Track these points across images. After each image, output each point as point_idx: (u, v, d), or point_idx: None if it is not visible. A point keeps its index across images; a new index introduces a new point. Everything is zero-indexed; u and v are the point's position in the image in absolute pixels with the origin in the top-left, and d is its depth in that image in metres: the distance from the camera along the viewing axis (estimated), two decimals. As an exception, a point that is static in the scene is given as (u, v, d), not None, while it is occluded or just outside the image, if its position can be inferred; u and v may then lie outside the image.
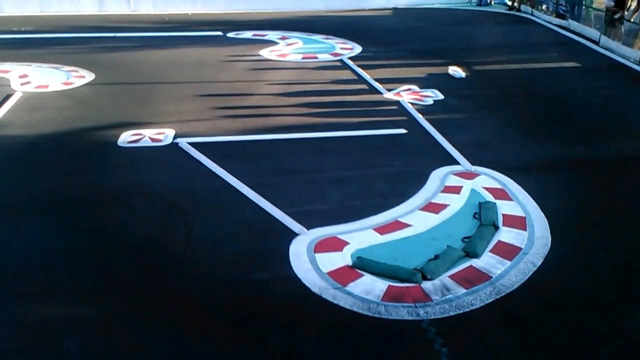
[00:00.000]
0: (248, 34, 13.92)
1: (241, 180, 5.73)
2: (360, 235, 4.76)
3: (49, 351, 3.48)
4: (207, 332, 3.67)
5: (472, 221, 4.99)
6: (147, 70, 10.41)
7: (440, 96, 8.59)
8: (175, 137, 6.94)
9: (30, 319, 3.76)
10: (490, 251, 4.55)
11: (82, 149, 6.68)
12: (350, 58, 11.10)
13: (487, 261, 4.43)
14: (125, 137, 6.94)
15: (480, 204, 5.25)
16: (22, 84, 9.34)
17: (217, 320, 3.78)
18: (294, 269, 4.31)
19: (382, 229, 4.85)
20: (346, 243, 4.64)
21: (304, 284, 4.13)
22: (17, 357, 3.42)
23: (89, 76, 9.91)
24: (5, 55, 11.33)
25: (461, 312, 3.87)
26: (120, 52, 12.03)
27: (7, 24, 15.42)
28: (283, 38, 13.27)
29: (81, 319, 3.78)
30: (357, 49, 11.88)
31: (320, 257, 4.44)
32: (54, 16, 17.15)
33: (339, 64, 10.75)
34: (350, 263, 4.38)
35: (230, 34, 13.97)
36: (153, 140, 6.86)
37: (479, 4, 18.14)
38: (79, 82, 9.55)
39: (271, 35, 13.63)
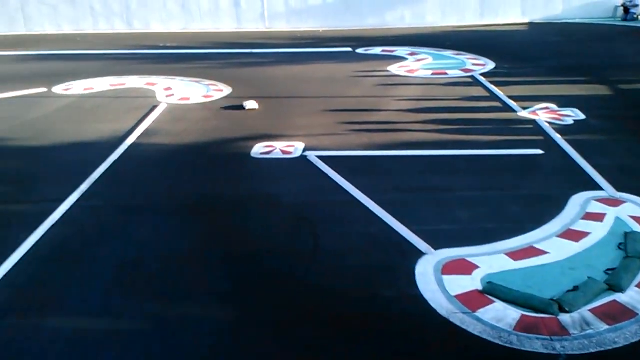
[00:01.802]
0: (377, 50, 14.00)
1: (367, 195, 5.72)
2: (491, 260, 4.56)
3: (186, 349, 3.64)
4: (327, 346, 3.67)
5: (617, 252, 4.61)
6: (280, 85, 10.78)
7: (582, 116, 8.08)
8: (304, 150, 7.10)
9: (168, 318, 3.97)
10: (637, 286, 4.17)
11: (219, 159, 7.02)
12: (482, 74, 10.79)
13: (632, 297, 4.06)
14: (258, 149, 7.21)
15: (626, 234, 4.84)
16: (166, 96, 10.04)
17: (339, 334, 3.77)
18: (420, 289, 4.21)
19: (515, 255, 4.61)
20: (476, 266, 4.46)
21: (430, 306, 4.01)
22: (154, 354, 3.62)
23: (226, 90, 10.45)
24: (152, 69, 12.25)
25: (603, 349, 3.57)
26: (255, 67, 12.58)
27: (154, 40, 16.70)
28: (412, 54, 13.19)
29: (214, 321, 3.93)
30: (490, 65, 11.54)
31: (447, 279, 4.31)
32: (196, 33, 18.31)
33: (470, 80, 10.49)
34: (480, 288, 4.21)
35: (360, 50, 14.12)
36: (284, 152, 7.06)
37: (625, 19, 16.95)
38: (217, 96, 10.09)
39: (400, 51, 13.61)
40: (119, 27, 19.34)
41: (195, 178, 6.45)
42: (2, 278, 4.44)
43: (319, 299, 4.15)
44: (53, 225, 5.30)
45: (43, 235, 5.10)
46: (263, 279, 4.44)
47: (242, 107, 8.77)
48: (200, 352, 3.62)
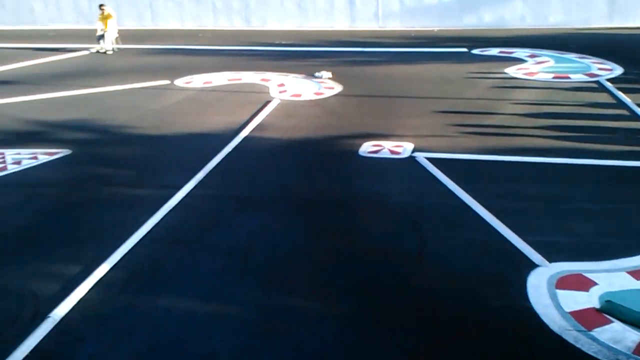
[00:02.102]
0: (494, 51, 13.55)
1: (478, 201, 5.54)
2: (611, 277, 4.26)
3: (286, 340, 3.71)
4: (431, 348, 3.59)
5: None
6: (391, 84, 10.71)
7: None
8: (413, 151, 7.00)
9: (272, 307, 4.06)
10: None
11: (327, 155, 7.09)
12: (608, 80, 10.13)
13: None
14: (367, 147, 7.20)
15: None
16: (279, 92, 10.29)
17: (444, 338, 3.67)
18: (532, 302, 4.01)
19: (638, 274, 4.28)
20: (594, 283, 4.19)
21: (542, 320, 3.82)
22: (258, 341, 3.71)
23: (337, 88, 10.53)
24: (266, 66, 12.61)
25: None
26: (367, 65, 12.59)
27: (270, 37, 17.17)
28: (532, 56, 12.64)
29: (317, 315, 3.97)
30: (618, 70, 10.81)
31: (562, 295, 4.07)
32: (310, 31, 18.62)
33: (595, 85, 9.89)
34: (597, 306, 3.94)
35: (476, 51, 13.73)
36: (392, 152, 7.01)
37: None
38: (328, 93, 10.20)
39: (519, 52, 13.08)
40: (238, 24, 20.08)
41: (304, 173, 6.55)
42: (123, 256, 4.73)
43: (425, 302, 4.07)
44: (170, 210, 5.58)
45: (161, 219, 5.39)
46: (368, 277, 4.42)
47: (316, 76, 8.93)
48: (301, 346, 3.67)
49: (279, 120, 8.57)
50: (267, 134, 7.95)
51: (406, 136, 7.55)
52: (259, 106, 9.30)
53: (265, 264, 4.62)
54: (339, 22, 19.32)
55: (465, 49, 13.96)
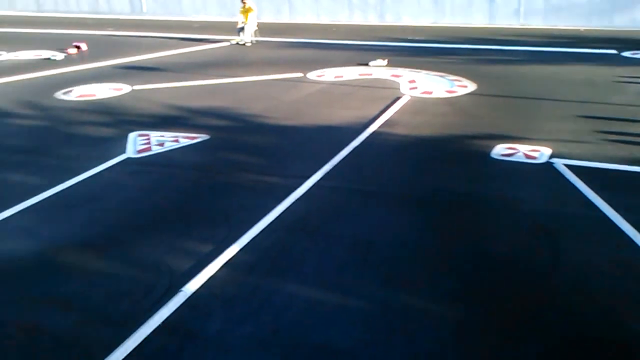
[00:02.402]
0: (648, 54, 12.48)
1: (621, 215, 5.12)
2: None
3: (403, 338, 3.65)
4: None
5: None
6: (529, 85, 10.21)
7: None
8: (551, 156, 6.62)
9: (392, 304, 4.02)
10: None
11: (456, 155, 6.90)
12: None
13: None
14: (499, 150, 6.91)
15: None
16: (410, 89, 10.17)
17: (571, 355, 3.44)
18: (679, 330, 3.64)
19: None
20: None
21: (691, 351, 3.45)
22: (376, 336, 3.68)
23: (471, 86, 10.22)
24: (398, 61, 12.50)
25: None
26: (504, 65, 12.09)
27: (403, 33, 17.01)
28: (693, 61, 11.48)
29: (436, 316, 3.87)
30: None
31: None
32: (445, 27, 18.22)
33: None
34: None
35: (626, 53, 12.72)
36: (527, 156, 6.67)
37: None
38: (461, 91, 9.92)
39: (677, 56, 11.95)
40: (372, 20, 20.11)
41: (431, 172, 6.42)
42: (251, 240, 4.90)
43: (555, 318, 3.83)
44: (297, 199, 5.70)
45: (288, 207, 5.53)
46: (493, 283, 4.24)
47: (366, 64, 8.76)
48: (418, 345, 3.59)
49: (408, 117, 8.47)
50: (395, 130, 7.89)
51: (544, 140, 7.16)
52: (388, 102, 9.25)
53: (387, 260, 4.59)
54: (477, 19, 18.72)
55: (614, 51, 12.98)
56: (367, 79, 11.16)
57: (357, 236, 4.98)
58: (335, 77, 11.41)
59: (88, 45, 15.38)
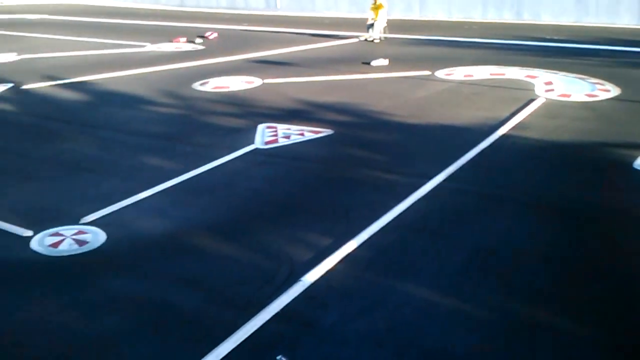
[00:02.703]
0: None
1: None
2: None
3: (525, 350, 3.47)
4: None
5: None
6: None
7: None
8: None
9: (514, 314, 3.83)
10: None
11: (593, 163, 6.46)
12: None
13: None
14: (644, 160, 6.38)
15: None
16: (546, 91, 9.64)
17: None
18: None
19: None
20: None
21: None
22: (495, 344, 3.54)
23: (614, 90, 9.51)
24: (534, 62, 11.91)
25: None
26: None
27: (541, 32, 16.19)
28: None
29: (564, 332, 3.64)
30: None
31: None
32: (588, 27, 17.10)
33: None
34: None
35: None
36: (676, 168, 6.10)
37: None
38: (602, 96, 9.27)
39: None
40: (507, 17, 19.34)
41: (565, 179, 6.06)
42: (370, 237, 4.90)
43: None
44: (419, 199, 5.61)
45: (409, 206, 5.46)
46: (629, 302, 3.92)
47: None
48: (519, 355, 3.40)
49: (542, 121, 8.05)
50: (527, 133, 7.52)
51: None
52: (521, 104, 8.84)
53: (511, 270, 4.39)
54: (625, 19, 17.39)
55: None
56: (498, 79, 10.75)
57: (479, 242, 4.81)
58: (465, 76, 11.10)
59: (220, 39, 16.17)
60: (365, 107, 9.05)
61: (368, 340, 3.59)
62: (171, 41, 15.79)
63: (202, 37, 16.42)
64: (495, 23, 18.81)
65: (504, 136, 7.42)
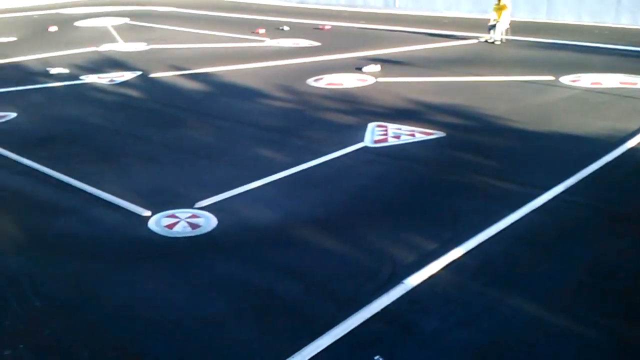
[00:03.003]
0: None
1: None
2: None
3: None
4: None
5: None
6: None
7: None
8: None
9: (632, 342, 3.55)
10: None
11: None
12: None
13: None
14: None
15: None
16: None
17: None
18: None
19: None
20: None
21: None
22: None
23: None
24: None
25: None
26: None
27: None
28: None
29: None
30: None
31: None
32: None
33: None
34: None
35: None
36: None
37: None
38: None
39: None
40: (643, 23, 17.98)
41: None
42: (478, 245, 4.73)
43: None
44: (533, 211, 5.35)
45: (522, 217, 5.21)
46: None
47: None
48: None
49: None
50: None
51: None
52: (654, 116, 8.18)
53: (629, 291, 4.07)
54: None
55: None
56: (629, 88, 10.01)
57: (597, 260, 4.51)
58: (592, 83, 10.44)
59: (336, 36, 16.31)
60: (480, 110, 8.76)
61: (470, 351, 3.48)
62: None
63: (318, 28, 17.32)
64: (629, 29, 17.53)
65: (631, 150, 6.90)
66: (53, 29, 17.92)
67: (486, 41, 15.57)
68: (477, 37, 15.90)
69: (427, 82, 10.80)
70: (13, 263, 4.64)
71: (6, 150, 7.20)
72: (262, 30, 16.96)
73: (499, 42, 15.39)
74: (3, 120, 8.65)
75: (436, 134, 7.64)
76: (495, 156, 6.89)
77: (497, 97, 9.65)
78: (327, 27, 17.70)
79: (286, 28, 17.13)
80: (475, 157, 6.86)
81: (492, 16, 15.68)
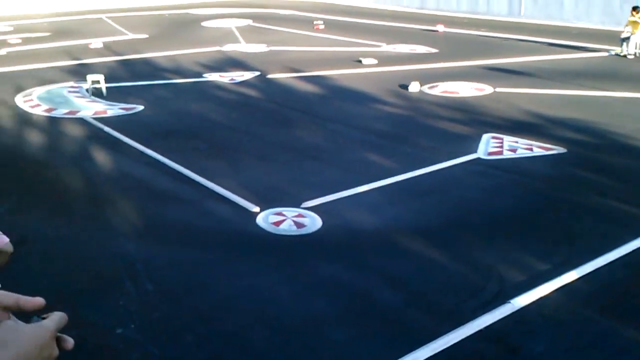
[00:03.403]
0: None
1: None
2: None
3: None
4: None
5: None
6: None
7: None
8: None
9: None
10: None
11: None
12: None
13: None
14: None
15: None
16: None
17: None
18: None
19: None
20: None
21: None
22: None
23: None
24: None
25: None
26: None
27: None
28: None
29: None
30: None
31: None
32: None
33: None
34: None
35: None
36: None
37: None
38: None
39: None
40: None
41: None
42: (595, 270, 4.43)
43: None
44: (660, 238, 4.94)
45: (647, 244, 4.84)
46: None
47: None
48: None
49: None
50: None
51: None
52: None
53: None
54: None
55: None
56: None
57: None
58: None
59: (454, 42, 15.95)
60: (606, 127, 8.22)
61: (578, 382, 3.27)
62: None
63: (431, 31, 17.51)
64: None
65: None
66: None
67: (617, 55, 14.61)
68: (607, 50, 14.98)
69: (550, 94, 10.31)
70: (131, 247, 4.95)
71: (133, 141, 7.71)
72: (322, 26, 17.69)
73: (632, 57, 14.39)
74: (131, 112, 9.28)
75: (556, 149, 7.27)
76: (619, 177, 6.43)
77: (625, 114, 9.01)
78: (441, 29, 18.27)
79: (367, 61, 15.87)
80: (598, 176, 6.44)
81: (626, 28, 14.69)
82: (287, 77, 11.78)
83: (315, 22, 18.89)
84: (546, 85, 10.97)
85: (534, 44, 16.12)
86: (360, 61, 12.62)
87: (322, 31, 18.08)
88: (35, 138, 7.94)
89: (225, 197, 5.92)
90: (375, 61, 12.56)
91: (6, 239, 2.74)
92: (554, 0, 21.73)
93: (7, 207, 5.76)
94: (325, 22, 19.40)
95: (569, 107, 9.44)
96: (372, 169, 6.67)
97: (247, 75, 11.86)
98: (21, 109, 9.37)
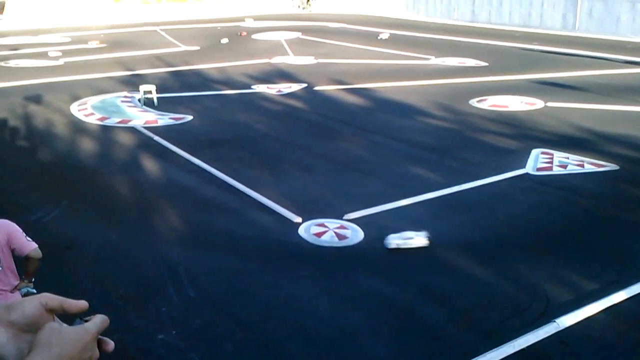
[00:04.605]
0: None
1: None
2: None
3: None
4: None
5: None
6: None
7: None
8: None
9: None
10: None
11: None
12: None
13: None
14: None
15: None
16: None
17: None
18: None
19: None
20: None
21: None
22: None
23: None
24: None
25: None
26: None
27: None
28: None
29: None
30: None
31: None
32: None
33: None
34: None
35: None
36: None
37: None
38: None
39: None
40: None
41: None
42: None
43: None
44: None
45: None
46: None
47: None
48: None
49: None
50: None
51: None
52: None
53: None
54: None
55: None
56: None
57: None
58: None
59: (505, 57, 15.67)
60: (664, 144, 7.92)
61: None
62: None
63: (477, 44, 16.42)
64: None
65: None
66: (224, 40, 19.19)
67: (676, 69, 14.07)
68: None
69: (603, 110, 10.01)
70: (175, 254, 5.04)
71: (181, 150, 7.87)
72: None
73: (691, 71, 13.83)
74: (181, 122, 9.48)
75: (608, 166, 7.04)
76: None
77: (684, 131, 8.67)
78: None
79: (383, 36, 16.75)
80: (653, 194, 6.21)
81: (686, 42, 14.14)
82: (334, 89, 11.82)
83: (379, 34, 18.96)
84: (600, 100, 10.66)
85: (588, 58, 15.72)
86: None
87: (370, 44, 18.08)
88: (87, 146, 8.20)
89: (269, 207, 5.96)
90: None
91: (34, 245, 2.81)
92: (610, 14, 21.18)
93: (58, 212, 5.95)
94: (372, 35, 19.40)
95: (622, 123, 9.15)
96: (415, 182, 6.61)
97: (294, 87, 11.96)
98: (76, 117, 9.69)
